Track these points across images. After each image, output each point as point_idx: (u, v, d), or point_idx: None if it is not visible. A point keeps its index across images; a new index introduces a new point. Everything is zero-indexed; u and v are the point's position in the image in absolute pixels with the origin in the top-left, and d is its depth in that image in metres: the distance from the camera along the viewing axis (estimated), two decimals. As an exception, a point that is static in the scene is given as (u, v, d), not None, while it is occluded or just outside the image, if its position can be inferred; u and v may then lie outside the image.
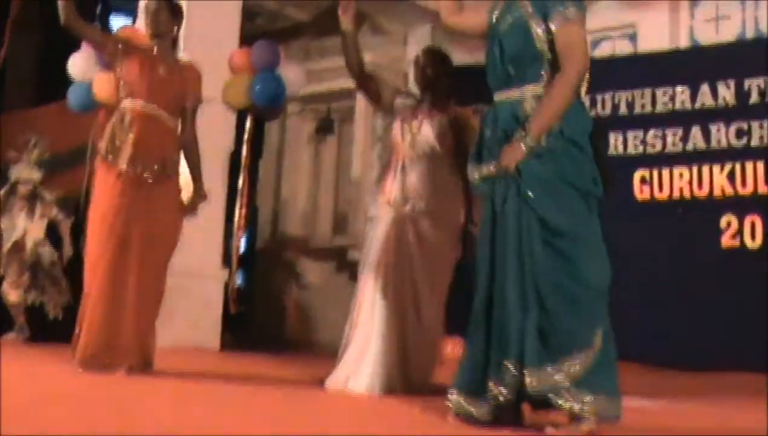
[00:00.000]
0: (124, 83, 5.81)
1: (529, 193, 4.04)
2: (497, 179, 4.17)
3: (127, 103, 5.79)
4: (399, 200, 5.54)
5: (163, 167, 5.71)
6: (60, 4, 5.59)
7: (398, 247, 5.47)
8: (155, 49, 5.85)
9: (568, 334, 3.89)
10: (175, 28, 5.95)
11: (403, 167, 5.60)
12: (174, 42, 6.02)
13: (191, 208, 5.91)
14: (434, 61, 5.76)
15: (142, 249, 5.61)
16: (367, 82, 5.81)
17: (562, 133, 4.08)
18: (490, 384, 3.93)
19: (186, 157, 5.97)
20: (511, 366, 3.89)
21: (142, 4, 8.12)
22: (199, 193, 5.94)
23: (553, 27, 4.13)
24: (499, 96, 4.26)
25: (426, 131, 5.61)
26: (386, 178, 5.70)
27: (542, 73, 4.17)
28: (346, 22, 5.55)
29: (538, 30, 4.17)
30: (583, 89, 4.27)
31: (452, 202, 5.58)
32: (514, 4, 4.33)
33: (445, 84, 5.76)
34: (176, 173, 5.82)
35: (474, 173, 4.32)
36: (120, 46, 5.86)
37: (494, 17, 4.41)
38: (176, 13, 5.96)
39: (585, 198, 4.08)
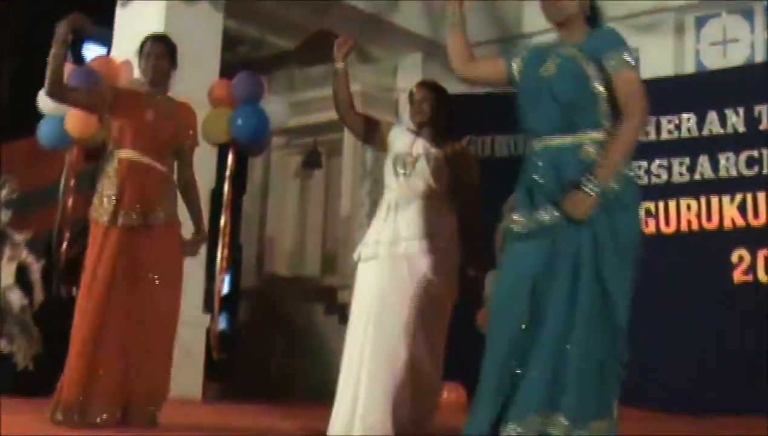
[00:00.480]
0: (113, 135, 5.83)
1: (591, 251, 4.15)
2: (554, 228, 4.21)
3: (115, 154, 5.81)
4: (391, 241, 5.43)
5: (151, 215, 5.73)
6: (48, 75, 5.60)
7: (391, 292, 5.35)
8: (146, 94, 5.88)
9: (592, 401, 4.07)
10: (173, 68, 6.01)
11: (396, 206, 5.49)
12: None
13: (193, 250, 6.01)
14: (431, 95, 5.66)
15: (131, 300, 5.61)
16: (355, 121, 5.75)
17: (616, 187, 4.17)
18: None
19: (184, 199, 6.02)
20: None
21: (117, 33, 8.07)
22: (200, 234, 6.05)
23: (612, 71, 4.20)
24: (548, 141, 4.32)
25: (422, 168, 5.48)
26: (377, 217, 5.59)
27: (601, 116, 4.25)
28: (340, 59, 5.51)
29: (592, 73, 4.23)
30: None
31: (449, 243, 5.46)
32: (552, 49, 4.44)
33: (443, 119, 5.66)
34: (171, 218, 5.83)
35: (525, 221, 4.32)
36: (108, 99, 5.86)
37: (520, 64, 4.50)
38: (173, 50, 6.02)
39: (632, 259, 4.19)
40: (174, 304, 5.87)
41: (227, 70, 8.16)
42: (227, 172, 7.75)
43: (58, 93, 5.81)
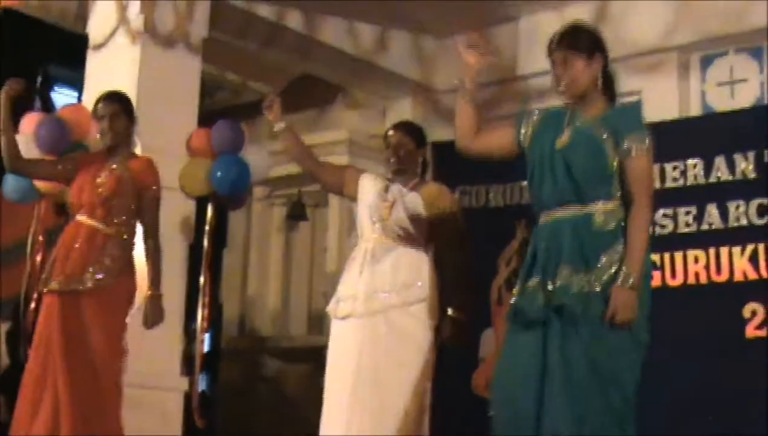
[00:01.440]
0: (69, 200, 6.09)
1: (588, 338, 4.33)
2: (549, 298, 4.39)
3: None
4: (368, 295, 5.46)
5: (78, 279, 5.88)
6: (3, 152, 5.95)
7: (371, 353, 5.41)
8: (105, 156, 6.04)
9: None
10: (130, 126, 6.13)
11: (372, 256, 5.53)
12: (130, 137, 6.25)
13: (149, 320, 6.08)
14: (407, 139, 5.74)
15: (63, 370, 5.76)
16: (324, 175, 5.92)
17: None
18: None
19: (145, 257, 6.16)
20: None
21: (88, 78, 8.13)
22: (153, 300, 6.09)
23: (628, 154, 4.44)
24: (558, 212, 4.52)
25: (398, 215, 5.54)
26: (351, 270, 5.65)
27: (613, 188, 4.46)
28: (277, 120, 5.67)
29: (609, 148, 4.45)
30: None
31: (429, 292, 5.50)
32: (565, 117, 4.64)
33: (419, 161, 5.76)
34: (110, 279, 5.94)
35: (527, 295, 4.42)
36: (69, 169, 6.15)
37: (528, 130, 4.71)
38: (131, 113, 6.15)
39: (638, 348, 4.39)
40: (109, 373, 5.96)
41: (206, 118, 8.21)
42: (206, 227, 7.79)
43: (19, 169, 6.19)
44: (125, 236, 6.08)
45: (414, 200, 5.58)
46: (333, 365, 5.59)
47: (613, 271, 4.34)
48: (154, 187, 6.12)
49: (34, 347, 5.95)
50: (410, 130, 5.84)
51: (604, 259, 4.36)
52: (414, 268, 5.51)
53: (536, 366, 4.38)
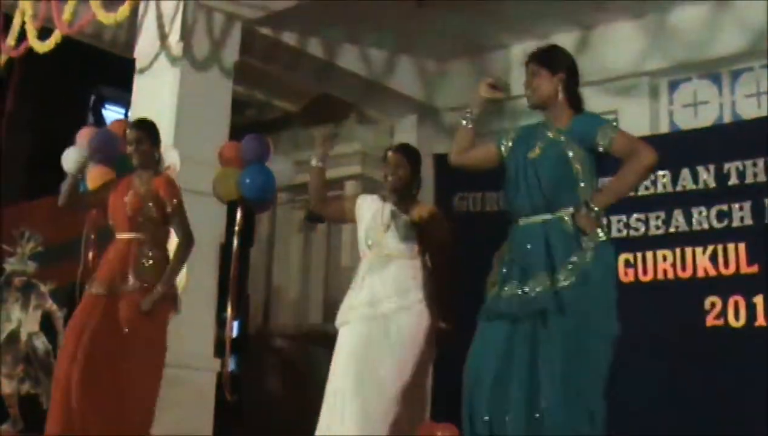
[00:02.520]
0: (109, 225, 6.24)
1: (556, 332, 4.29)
2: (524, 302, 4.37)
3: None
4: (368, 303, 5.40)
5: (120, 284, 5.96)
6: (64, 189, 6.21)
7: (367, 351, 5.33)
8: (135, 177, 6.13)
9: None
10: (154, 151, 6.18)
11: (370, 271, 5.48)
12: (158, 160, 6.36)
13: (146, 303, 5.99)
14: (405, 161, 5.66)
15: (88, 366, 5.80)
16: (328, 213, 5.99)
17: (602, 262, 4.38)
18: None
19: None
20: None
21: (135, 97, 8.18)
22: (153, 293, 6.02)
23: (606, 143, 4.45)
24: (530, 219, 4.52)
25: (392, 236, 5.49)
26: (352, 286, 5.58)
27: (580, 196, 4.44)
28: (318, 158, 5.73)
29: (573, 155, 4.47)
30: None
31: (428, 299, 5.43)
32: (537, 131, 4.67)
33: (414, 184, 5.70)
34: (153, 279, 6.01)
35: (497, 294, 4.45)
36: (104, 195, 6.31)
37: (508, 144, 4.74)
38: (156, 137, 6.21)
39: (606, 343, 4.35)
40: (147, 366, 6.01)
41: (236, 132, 8.25)
42: (236, 228, 7.81)
43: (75, 204, 6.49)
44: (158, 242, 6.16)
45: (406, 223, 5.52)
46: (333, 367, 5.52)
47: (581, 266, 4.33)
48: (174, 201, 6.16)
49: (66, 336, 6.06)
50: (409, 152, 5.76)
51: (574, 258, 4.35)
52: (410, 275, 5.44)
53: (503, 356, 4.38)
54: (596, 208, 4.36)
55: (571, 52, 4.86)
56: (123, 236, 6.08)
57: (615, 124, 4.63)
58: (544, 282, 4.35)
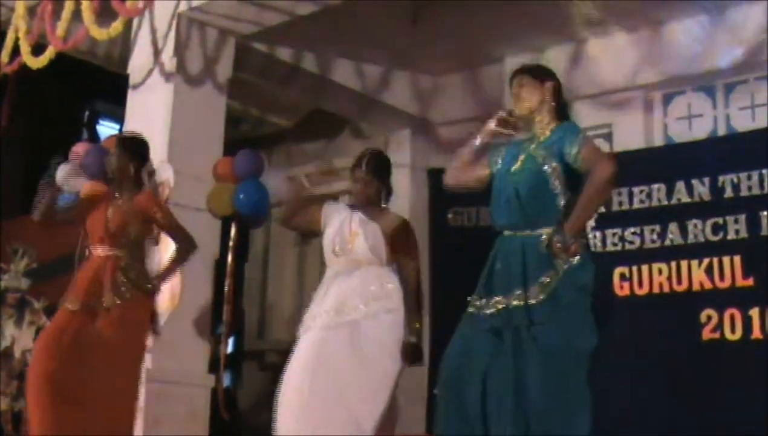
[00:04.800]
0: (86, 240, 6.20)
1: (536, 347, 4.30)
2: (506, 313, 4.36)
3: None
4: (335, 310, 5.28)
5: (97, 300, 5.91)
6: (40, 205, 6.19)
7: (333, 357, 5.20)
8: (113, 193, 6.11)
9: None
10: (132, 167, 6.15)
11: (335, 278, 5.38)
12: (139, 176, 6.25)
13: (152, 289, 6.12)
14: (375, 169, 5.57)
15: (76, 380, 5.77)
16: (294, 223, 5.85)
17: (578, 281, 4.36)
18: None
19: None
20: None
21: (128, 112, 8.18)
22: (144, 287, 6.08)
23: (574, 154, 4.42)
24: (512, 233, 4.53)
25: (360, 245, 5.38)
26: (317, 294, 5.46)
27: (558, 212, 4.43)
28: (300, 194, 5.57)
29: (550, 170, 4.46)
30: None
31: (397, 306, 5.32)
32: (521, 147, 4.68)
33: (383, 192, 5.60)
34: (130, 296, 5.98)
35: (483, 306, 4.45)
36: (80, 210, 6.32)
37: (498, 160, 4.75)
38: (134, 154, 6.18)
39: (581, 358, 4.31)
40: (126, 382, 5.95)
41: (230, 147, 8.23)
42: (230, 243, 7.80)
43: (50, 219, 6.37)
44: (136, 259, 6.14)
45: (375, 231, 5.41)
46: (286, 373, 5.41)
47: (552, 286, 4.34)
48: (157, 213, 6.18)
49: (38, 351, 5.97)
50: (379, 161, 5.64)
51: (545, 279, 4.35)
52: (380, 282, 5.33)
53: (485, 369, 4.39)
54: (567, 237, 4.34)
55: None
56: (101, 252, 6.05)
57: (587, 136, 4.59)
58: (519, 297, 4.35)
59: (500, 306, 4.43)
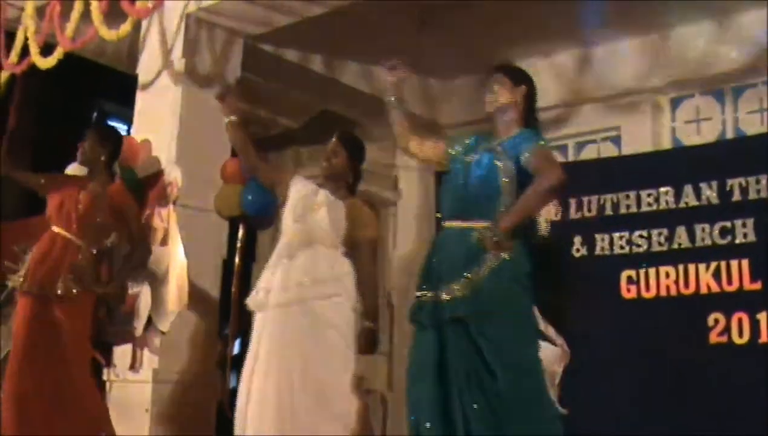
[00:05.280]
0: (47, 216, 6.29)
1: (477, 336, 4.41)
2: (442, 306, 4.48)
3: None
4: (282, 287, 5.25)
5: (52, 286, 6.00)
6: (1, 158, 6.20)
7: (283, 342, 5.19)
8: (85, 179, 6.14)
9: None
10: (103, 156, 6.16)
11: (288, 251, 5.35)
12: (106, 163, 6.36)
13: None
14: (343, 150, 5.63)
15: (44, 365, 5.90)
16: (263, 171, 5.94)
17: (507, 275, 4.45)
18: None
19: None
20: None
21: (137, 113, 8.19)
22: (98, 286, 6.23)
23: (528, 158, 4.54)
24: (450, 223, 4.63)
25: (322, 217, 5.38)
26: (268, 264, 5.45)
27: (496, 209, 4.53)
28: (226, 113, 5.65)
29: (504, 168, 4.48)
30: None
31: (347, 292, 5.29)
32: (483, 143, 4.79)
33: (352, 174, 5.65)
34: (82, 287, 6.09)
35: (421, 298, 4.53)
36: (51, 184, 6.41)
37: (455, 150, 4.90)
38: (105, 139, 6.20)
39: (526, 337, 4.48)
40: (77, 374, 6.06)
41: (238, 149, 8.24)
42: (238, 244, 7.81)
43: (12, 173, 6.59)
44: (94, 250, 6.16)
45: (338, 208, 5.43)
46: (249, 358, 5.39)
47: (475, 282, 4.42)
48: (128, 207, 6.25)
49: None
50: (349, 141, 5.73)
51: (469, 274, 4.44)
52: (330, 265, 5.30)
53: (434, 359, 4.48)
54: (499, 232, 4.38)
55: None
56: (61, 232, 6.06)
57: (545, 144, 4.66)
58: (451, 291, 4.40)
59: (436, 298, 4.54)
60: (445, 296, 4.43)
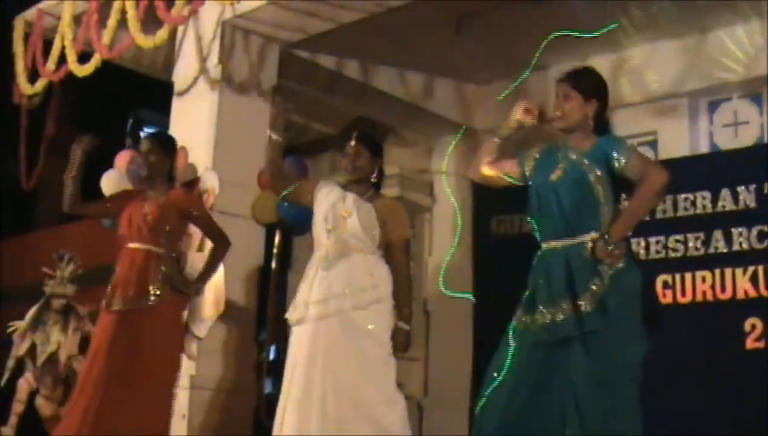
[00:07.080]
0: (119, 232, 6.27)
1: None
2: (552, 329, 4.42)
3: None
4: (322, 299, 5.27)
5: (143, 297, 6.03)
6: (65, 194, 6.27)
7: (326, 356, 5.22)
8: (142, 190, 6.21)
9: None
10: (166, 164, 6.26)
11: (326, 262, 5.36)
12: (170, 173, 6.32)
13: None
14: (366, 151, 5.61)
15: (126, 375, 5.93)
16: (290, 200, 5.86)
17: (627, 282, 4.41)
18: None
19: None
20: None
21: (173, 120, 8.26)
22: (189, 287, 6.32)
23: (622, 165, 4.48)
24: (555, 243, 4.56)
25: (353, 224, 5.39)
26: (306, 277, 5.46)
27: (602, 219, 4.48)
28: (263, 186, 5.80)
29: (594, 179, 4.47)
30: None
31: (385, 297, 5.34)
32: (560, 152, 4.71)
33: (376, 174, 5.63)
34: (168, 296, 6.11)
35: (527, 322, 4.49)
36: (117, 204, 6.44)
37: (531, 164, 4.72)
38: (168, 149, 6.28)
39: (631, 368, 4.37)
40: (167, 380, 6.18)
41: (275, 155, 8.30)
42: (274, 250, 7.87)
43: (76, 210, 6.46)
44: (174, 254, 6.27)
45: (369, 212, 5.45)
46: (288, 369, 5.42)
47: (600, 293, 4.37)
48: (193, 209, 6.33)
49: (86, 359, 6.18)
50: (369, 142, 5.69)
51: (593, 286, 4.38)
52: (368, 272, 5.34)
53: (533, 384, 4.47)
54: (612, 241, 4.37)
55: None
56: (139, 246, 6.16)
57: (633, 146, 4.67)
58: (568, 309, 4.39)
59: (547, 320, 4.47)
60: (560, 316, 4.38)
